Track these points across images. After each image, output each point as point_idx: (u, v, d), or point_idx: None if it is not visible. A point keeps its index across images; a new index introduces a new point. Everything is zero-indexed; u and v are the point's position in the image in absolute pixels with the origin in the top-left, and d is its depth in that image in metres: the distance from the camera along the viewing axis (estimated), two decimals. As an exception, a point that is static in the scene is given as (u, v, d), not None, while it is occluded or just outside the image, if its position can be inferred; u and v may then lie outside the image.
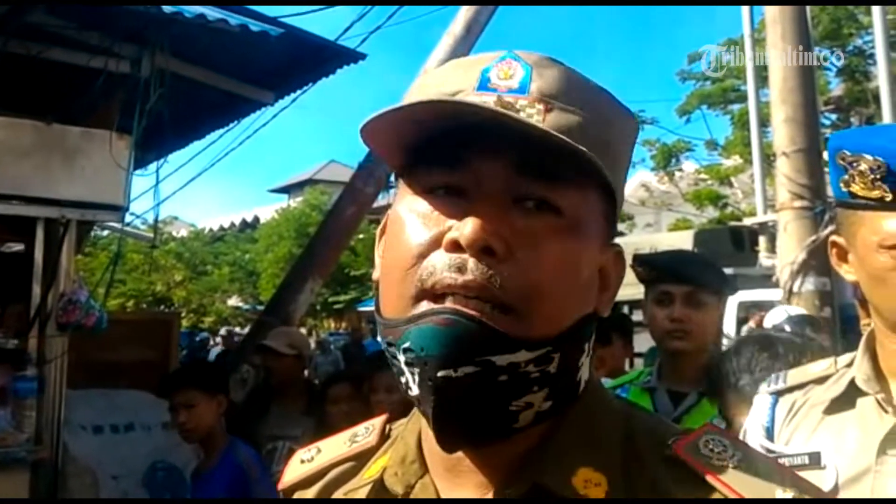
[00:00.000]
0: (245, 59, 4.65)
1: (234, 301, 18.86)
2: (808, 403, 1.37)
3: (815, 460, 1.27)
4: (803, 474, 0.76)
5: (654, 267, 2.38)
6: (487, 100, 0.69)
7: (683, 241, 9.89)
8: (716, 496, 0.67)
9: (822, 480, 1.22)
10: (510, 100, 0.70)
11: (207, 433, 3.19)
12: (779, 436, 1.39)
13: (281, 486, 0.87)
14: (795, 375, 1.44)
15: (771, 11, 5.74)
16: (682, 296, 2.27)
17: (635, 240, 11.67)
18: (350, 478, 0.83)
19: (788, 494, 0.66)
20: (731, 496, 0.67)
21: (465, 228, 0.66)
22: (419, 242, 0.70)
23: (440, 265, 0.68)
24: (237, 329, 16.36)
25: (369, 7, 5.59)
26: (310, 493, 0.84)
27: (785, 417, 1.40)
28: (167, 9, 3.85)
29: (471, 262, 0.67)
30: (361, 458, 0.83)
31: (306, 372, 4.86)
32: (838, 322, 5.33)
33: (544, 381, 0.69)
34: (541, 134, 0.66)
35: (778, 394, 1.43)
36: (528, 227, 0.69)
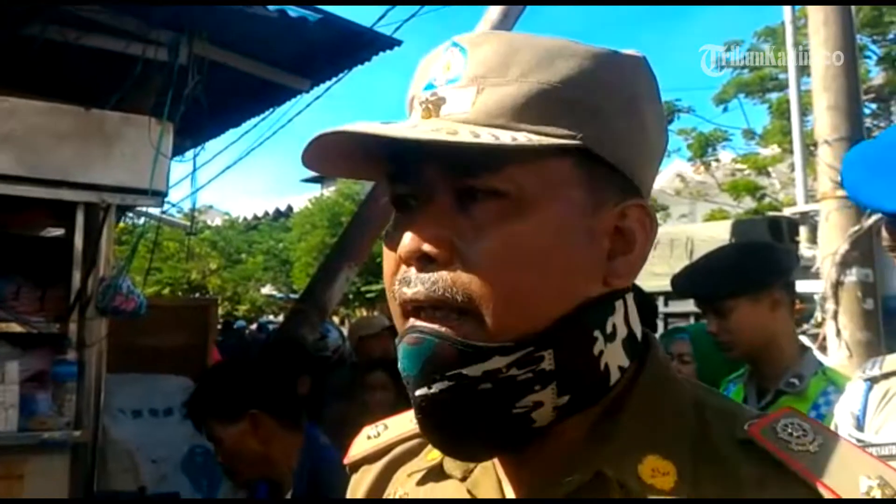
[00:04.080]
0: (281, 46, 4.63)
1: (267, 289, 18.96)
2: None
3: None
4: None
5: (674, 289, 2.45)
6: (427, 97, 0.69)
7: (721, 231, 9.80)
8: (794, 483, 0.63)
9: None
10: (444, 94, 0.69)
11: None
12: (870, 424, 1.31)
13: (347, 460, 0.87)
14: (892, 361, 1.36)
15: (813, -2, 5.65)
16: (708, 311, 2.27)
17: (671, 230, 11.56)
18: (413, 456, 0.82)
19: (873, 482, 0.62)
20: (811, 482, 0.62)
21: (402, 242, 0.67)
22: (389, 261, 0.71)
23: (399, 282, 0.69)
24: (271, 317, 16.44)
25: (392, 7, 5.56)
26: (374, 469, 0.84)
27: (878, 405, 1.32)
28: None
29: (412, 275, 0.67)
30: None
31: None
32: (881, 314, 5.23)
33: (544, 379, 0.66)
34: (430, 141, 0.64)
35: (873, 380, 1.36)
36: (473, 222, 0.67)
